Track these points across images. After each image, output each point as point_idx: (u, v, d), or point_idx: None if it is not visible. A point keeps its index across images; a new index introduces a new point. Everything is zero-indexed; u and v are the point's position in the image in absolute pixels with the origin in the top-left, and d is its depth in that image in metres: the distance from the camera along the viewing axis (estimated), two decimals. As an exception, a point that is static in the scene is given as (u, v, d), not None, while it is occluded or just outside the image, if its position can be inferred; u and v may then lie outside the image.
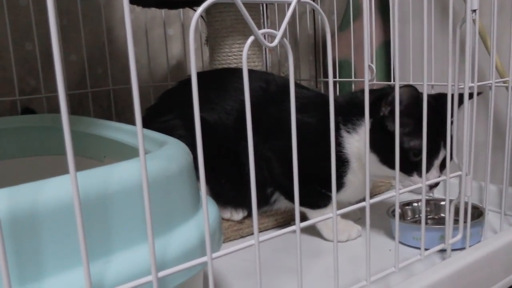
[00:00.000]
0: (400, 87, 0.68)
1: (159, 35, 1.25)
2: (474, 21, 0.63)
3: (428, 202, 0.88)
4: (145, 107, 0.91)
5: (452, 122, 0.63)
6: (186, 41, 1.29)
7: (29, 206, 0.33)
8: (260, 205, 0.83)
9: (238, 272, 0.68)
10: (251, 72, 0.82)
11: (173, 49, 1.31)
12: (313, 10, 1.35)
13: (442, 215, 0.85)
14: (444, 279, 0.61)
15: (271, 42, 0.39)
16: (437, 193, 0.99)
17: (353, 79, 1.17)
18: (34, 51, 1.00)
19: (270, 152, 0.78)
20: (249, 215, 0.85)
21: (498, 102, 0.80)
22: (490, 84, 0.72)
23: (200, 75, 0.48)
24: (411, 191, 0.61)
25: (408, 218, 0.86)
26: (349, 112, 0.76)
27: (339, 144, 0.75)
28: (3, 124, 0.77)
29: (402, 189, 0.58)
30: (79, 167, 0.31)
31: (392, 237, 0.80)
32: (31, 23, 0.97)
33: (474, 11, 0.62)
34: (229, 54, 1.00)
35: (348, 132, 0.75)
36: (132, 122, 0.41)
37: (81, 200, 0.31)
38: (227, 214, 0.85)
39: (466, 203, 0.66)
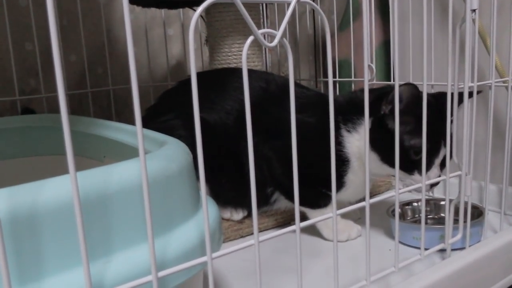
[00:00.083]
0: (401, 85, 0.68)
1: (159, 35, 1.25)
2: (473, 20, 0.63)
3: (428, 201, 0.88)
4: (145, 107, 0.91)
5: (452, 121, 0.63)
6: (186, 41, 1.29)
7: (29, 206, 0.33)
8: (260, 205, 0.83)
9: (238, 272, 0.68)
10: (251, 72, 0.82)
11: (173, 49, 1.31)
12: (313, 10, 1.35)
13: (442, 214, 0.85)
14: (444, 278, 0.61)
15: (271, 42, 0.39)
16: (437, 193, 0.99)
17: (353, 79, 1.17)
18: (34, 51, 1.00)
19: (270, 152, 0.78)
20: (249, 215, 0.85)
21: (498, 101, 0.80)
22: (489, 84, 0.72)
23: (200, 75, 0.48)
24: (410, 191, 0.61)
25: (408, 218, 0.86)
26: (349, 112, 0.76)
27: (339, 144, 0.75)
28: (3, 124, 0.77)
29: (402, 189, 0.58)
30: (79, 167, 0.31)
31: (392, 237, 0.80)
32: (31, 23, 0.97)
33: (474, 10, 0.62)
34: (229, 54, 1.00)
35: (348, 131, 0.75)
36: (132, 122, 0.41)
37: (81, 200, 0.31)
38: (227, 214, 0.85)
39: (466, 203, 0.66)
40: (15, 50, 1.00)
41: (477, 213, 0.78)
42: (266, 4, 1.21)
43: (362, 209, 0.52)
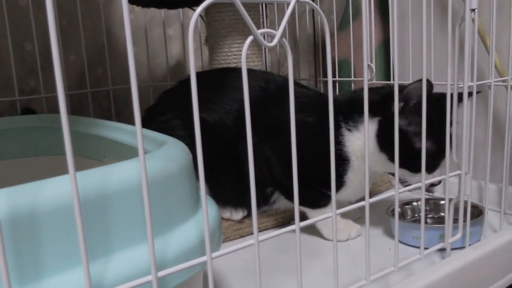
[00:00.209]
0: (413, 82, 0.68)
1: (159, 35, 1.25)
2: (473, 20, 0.63)
3: (427, 201, 0.88)
4: (144, 107, 0.91)
5: (451, 122, 0.63)
6: (185, 41, 1.29)
7: (29, 206, 0.33)
8: (259, 204, 0.83)
9: (238, 271, 0.68)
10: (250, 71, 0.82)
11: (172, 49, 1.31)
12: (313, 10, 1.35)
13: (442, 214, 0.85)
14: (443, 278, 0.61)
15: (270, 41, 0.39)
16: (436, 192, 0.99)
17: (352, 78, 1.17)
18: (33, 51, 1.00)
19: (269, 152, 0.78)
20: (249, 214, 0.85)
21: (497, 101, 0.80)
22: (489, 83, 0.72)
23: (199, 75, 0.48)
24: (410, 190, 0.61)
25: (408, 217, 0.86)
26: (350, 111, 0.76)
27: (339, 143, 0.75)
28: (3, 124, 0.77)
29: (402, 188, 0.58)
30: (79, 167, 0.31)
31: (391, 236, 0.80)
32: (30, 23, 0.97)
33: (473, 10, 0.62)
34: (229, 54, 1.00)
35: (349, 130, 0.75)
36: (131, 122, 0.41)
37: (80, 200, 0.31)
38: (226, 213, 0.85)
39: (465, 202, 0.66)
40: (14, 50, 1.00)
41: (477, 212, 0.78)
42: (265, 4, 1.21)
43: (362, 208, 0.52)
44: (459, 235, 0.66)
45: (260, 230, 0.85)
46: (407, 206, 0.87)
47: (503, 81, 0.77)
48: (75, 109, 1.15)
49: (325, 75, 1.37)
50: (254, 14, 1.04)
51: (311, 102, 0.81)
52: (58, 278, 0.34)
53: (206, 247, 0.38)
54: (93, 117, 1.03)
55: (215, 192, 0.79)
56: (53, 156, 0.73)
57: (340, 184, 0.77)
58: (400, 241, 0.75)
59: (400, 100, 0.71)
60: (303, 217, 0.79)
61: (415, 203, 0.87)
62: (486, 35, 0.86)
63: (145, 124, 0.43)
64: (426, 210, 0.86)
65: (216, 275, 0.68)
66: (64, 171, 0.32)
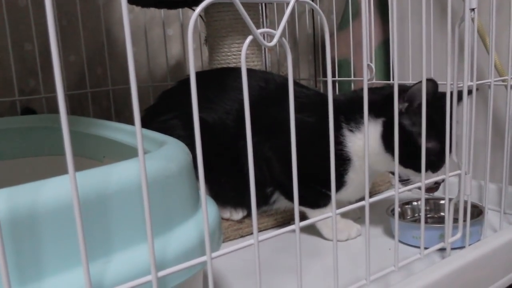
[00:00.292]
0: (417, 82, 0.68)
1: (158, 35, 1.25)
2: (472, 19, 0.63)
3: (427, 201, 0.88)
4: (144, 107, 0.91)
5: (451, 121, 0.63)
6: (185, 41, 1.29)
7: (29, 207, 0.33)
8: (259, 204, 0.83)
9: (238, 271, 0.68)
10: (250, 71, 0.82)
11: (172, 49, 1.31)
12: (312, 10, 1.35)
13: (442, 214, 0.85)
14: (443, 278, 0.61)
15: (270, 41, 0.39)
16: (436, 192, 0.99)
17: (352, 78, 1.17)
18: (33, 51, 1.00)
19: (269, 152, 0.78)
20: (249, 214, 0.85)
21: (497, 100, 0.80)
22: (489, 83, 0.72)
23: (199, 74, 0.48)
24: (410, 190, 0.61)
25: (408, 217, 0.86)
26: (352, 111, 0.76)
27: (340, 143, 0.75)
28: (2, 124, 0.77)
29: (402, 188, 0.58)
30: (79, 167, 0.31)
31: (391, 236, 0.80)
32: (30, 23, 0.97)
33: (473, 9, 0.62)
34: (228, 53, 1.00)
35: (351, 131, 0.75)
36: (131, 122, 0.41)
37: (80, 200, 0.31)
38: (226, 213, 0.85)
39: (465, 202, 0.66)
40: (14, 50, 1.00)
41: (477, 212, 0.78)
42: (265, 4, 1.21)
43: (362, 208, 0.52)
44: (459, 235, 0.66)
45: (260, 230, 0.85)
46: (407, 206, 0.87)
47: (503, 80, 0.77)
48: (74, 109, 1.15)
49: (325, 75, 1.37)
50: (253, 14, 1.04)
51: (311, 102, 0.81)
52: (58, 278, 0.34)
53: (206, 247, 0.38)
54: (92, 117, 1.03)
55: (215, 192, 0.79)
56: (53, 156, 0.73)
57: (340, 184, 0.77)
58: (400, 241, 0.75)
59: (404, 100, 0.71)
60: (303, 217, 0.79)
61: (415, 203, 0.87)
62: (486, 35, 0.86)
63: (145, 124, 0.43)
64: (426, 210, 0.86)
65: (216, 275, 0.68)
66: (64, 171, 0.32)
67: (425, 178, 0.62)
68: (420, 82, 0.67)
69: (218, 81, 0.86)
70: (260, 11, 1.19)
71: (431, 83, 0.65)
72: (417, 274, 0.60)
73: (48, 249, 0.34)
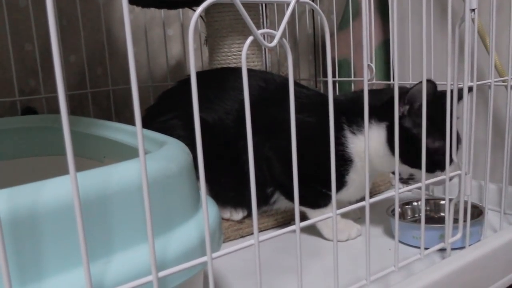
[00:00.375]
0: (417, 84, 0.68)
1: (159, 35, 1.25)
2: (473, 20, 0.63)
3: (428, 201, 0.88)
4: (144, 107, 0.91)
5: (451, 122, 0.63)
6: (185, 41, 1.29)
7: (30, 207, 0.33)
8: (260, 205, 0.83)
9: (238, 272, 0.68)
10: (250, 71, 0.82)
11: (172, 49, 1.31)
12: (313, 10, 1.35)
13: (442, 214, 0.85)
14: (443, 278, 0.61)
15: (270, 42, 0.39)
16: (437, 192, 0.99)
17: (352, 78, 1.17)
18: (33, 51, 1.00)
19: (270, 152, 0.78)
20: (249, 215, 0.85)
21: (497, 101, 0.80)
22: (489, 83, 0.72)
23: (199, 74, 0.48)
24: (411, 190, 0.61)
25: (408, 217, 0.86)
26: (353, 113, 0.76)
27: (342, 144, 0.75)
28: (3, 124, 0.77)
29: (402, 188, 0.58)
30: (79, 167, 0.31)
31: (392, 236, 0.80)
32: (30, 23, 0.97)
33: (473, 10, 0.62)
34: (229, 54, 1.00)
35: (353, 133, 0.75)
36: (131, 122, 0.41)
37: (81, 200, 0.31)
38: (227, 214, 0.85)
39: (465, 202, 0.66)
40: (14, 50, 1.00)
41: (477, 212, 0.78)
42: (265, 4, 1.21)
43: (362, 208, 0.52)
44: (459, 235, 0.66)
45: (261, 230, 0.85)
46: (407, 206, 0.87)
47: (503, 81, 0.77)
48: (75, 109, 1.15)
49: (325, 75, 1.37)
50: (254, 14, 1.04)
51: (311, 102, 0.81)
52: (59, 279, 0.34)
53: (207, 247, 0.39)
54: (93, 117, 1.03)
55: (215, 192, 0.79)
56: (54, 156, 0.73)
57: (341, 184, 0.77)
58: (400, 241, 0.75)
59: (405, 103, 0.71)
60: (303, 217, 0.79)
61: (415, 203, 0.87)
62: (486, 35, 0.86)
63: (145, 124, 0.43)
64: (426, 210, 0.86)
65: (216, 275, 0.68)
66: (65, 171, 0.32)
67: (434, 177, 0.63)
68: (419, 83, 0.67)
69: (218, 81, 0.86)
70: (261, 12, 1.19)
71: (430, 83, 0.65)
72: (417, 274, 0.60)
73: (48, 249, 0.34)
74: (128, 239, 0.38)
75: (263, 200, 0.83)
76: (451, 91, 0.60)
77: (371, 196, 0.52)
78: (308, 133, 0.74)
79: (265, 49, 1.19)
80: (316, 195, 0.78)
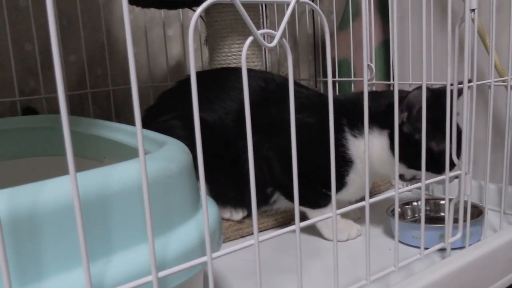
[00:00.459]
0: (413, 90, 0.69)
1: (159, 35, 1.25)
2: (473, 20, 0.63)
3: (427, 201, 0.88)
4: (144, 107, 0.91)
5: (451, 122, 0.63)
6: (185, 41, 1.29)
7: (30, 207, 0.33)
8: (260, 205, 0.83)
9: (238, 272, 0.68)
10: (250, 71, 0.82)
11: (172, 50, 1.31)
12: (312, 10, 1.35)
13: (442, 214, 0.85)
14: (443, 278, 0.61)
15: (270, 42, 0.39)
16: (437, 192, 0.99)
17: (352, 78, 1.17)
18: (33, 51, 1.00)
19: (269, 152, 0.78)
20: (249, 215, 0.85)
21: (497, 101, 0.80)
22: (489, 83, 0.72)
23: (199, 74, 0.48)
24: (410, 190, 0.61)
25: (408, 217, 0.86)
26: (354, 117, 0.76)
27: (342, 145, 0.75)
28: (3, 125, 0.77)
29: (402, 188, 0.58)
30: (79, 167, 0.31)
31: (391, 236, 0.80)
32: (30, 23, 0.97)
33: (473, 10, 0.62)
34: (229, 54, 1.00)
35: (354, 136, 0.75)
36: (131, 122, 0.41)
37: (81, 200, 0.31)
38: (227, 214, 0.85)
39: (465, 202, 0.66)
40: (14, 50, 1.00)
41: (477, 212, 0.78)
42: (265, 4, 1.21)
43: (362, 208, 0.52)
44: (459, 235, 0.66)
45: (260, 230, 0.85)
46: (407, 206, 0.87)
47: (503, 81, 0.77)
48: (75, 109, 1.15)
49: (325, 75, 1.37)
50: (254, 14, 1.04)
51: (311, 102, 0.81)
52: (59, 279, 0.34)
53: (207, 248, 0.39)
54: (93, 117, 1.03)
55: (215, 192, 0.79)
56: (54, 156, 0.73)
57: (341, 184, 0.77)
58: (400, 241, 0.75)
59: (403, 110, 0.71)
60: (303, 217, 0.79)
61: (415, 203, 0.87)
62: (486, 35, 0.86)
63: (145, 125, 0.43)
64: (426, 210, 0.86)
65: (216, 275, 0.68)
66: (65, 171, 0.32)
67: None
68: (414, 89, 0.68)
69: (218, 81, 0.86)
70: (261, 12, 1.19)
71: (426, 91, 0.65)
72: (417, 274, 0.60)
73: (48, 250, 0.34)
74: (128, 239, 0.38)
75: (263, 200, 0.83)
76: (451, 92, 0.61)
77: (371, 196, 0.52)
78: (308, 133, 0.74)
79: (265, 49, 1.19)
80: (316, 195, 0.78)
